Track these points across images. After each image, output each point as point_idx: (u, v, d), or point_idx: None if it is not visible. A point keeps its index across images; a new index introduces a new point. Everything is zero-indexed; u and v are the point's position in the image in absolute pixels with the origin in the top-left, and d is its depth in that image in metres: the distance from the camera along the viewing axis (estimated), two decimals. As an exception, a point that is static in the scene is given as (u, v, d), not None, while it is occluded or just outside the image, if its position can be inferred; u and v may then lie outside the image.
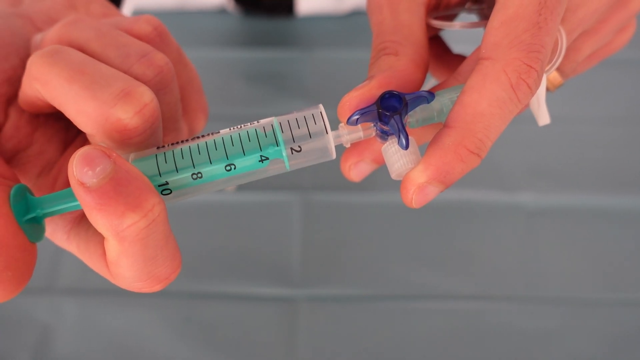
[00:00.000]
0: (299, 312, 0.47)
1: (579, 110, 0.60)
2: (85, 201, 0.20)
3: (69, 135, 0.27)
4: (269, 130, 0.23)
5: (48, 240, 0.55)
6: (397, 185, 0.56)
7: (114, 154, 0.20)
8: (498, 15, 0.24)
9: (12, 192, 0.22)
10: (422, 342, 0.45)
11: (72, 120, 0.23)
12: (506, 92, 0.23)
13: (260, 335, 0.46)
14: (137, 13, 0.68)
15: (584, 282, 0.48)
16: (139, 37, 0.25)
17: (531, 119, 0.31)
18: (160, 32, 0.26)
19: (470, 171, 0.25)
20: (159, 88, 0.24)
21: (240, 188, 0.53)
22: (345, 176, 0.29)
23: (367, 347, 0.45)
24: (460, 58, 0.32)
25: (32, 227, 0.22)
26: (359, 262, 0.49)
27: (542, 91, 0.28)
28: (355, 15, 0.68)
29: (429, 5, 0.28)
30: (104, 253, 0.23)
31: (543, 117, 0.29)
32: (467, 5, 0.31)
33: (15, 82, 0.26)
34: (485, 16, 0.31)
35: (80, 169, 0.20)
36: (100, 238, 0.24)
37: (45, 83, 0.22)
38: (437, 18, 0.29)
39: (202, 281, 0.48)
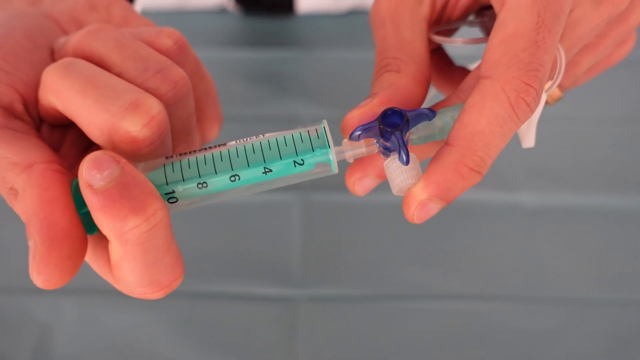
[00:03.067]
0: (299, 312, 0.47)
1: (579, 110, 0.60)
2: (91, 202, 0.21)
3: (91, 141, 0.28)
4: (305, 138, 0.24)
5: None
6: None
7: (123, 160, 0.21)
8: (497, 33, 0.24)
9: (73, 184, 0.23)
10: (422, 342, 0.45)
11: (84, 131, 0.23)
12: (505, 111, 0.23)
13: (260, 335, 0.46)
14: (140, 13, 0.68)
15: (584, 282, 0.48)
16: (160, 51, 0.26)
17: (531, 119, 0.30)
18: (181, 46, 0.26)
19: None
20: (172, 102, 0.24)
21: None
22: (350, 191, 0.30)
23: (367, 347, 0.45)
24: (463, 70, 0.32)
25: (87, 219, 0.23)
26: (359, 262, 0.49)
27: (537, 112, 0.28)
28: (354, 13, 0.68)
29: (430, 20, 0.29)
30: (109, 258, 0.24)
31: (528, 140, 0.30)
32: (470, 18, 0.31)
33: None
34: (487, 30, 0.31)
35: (89, 171, 0.20)
36: (106, 243, 0.24)
37: (58, 94, 0.23)
38: (438, 33, 0.30)
39: (202, 281, 0.48)
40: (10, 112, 0.24)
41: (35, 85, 0.25)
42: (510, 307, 0.47)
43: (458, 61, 0.34)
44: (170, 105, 0.24)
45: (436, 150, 0.25)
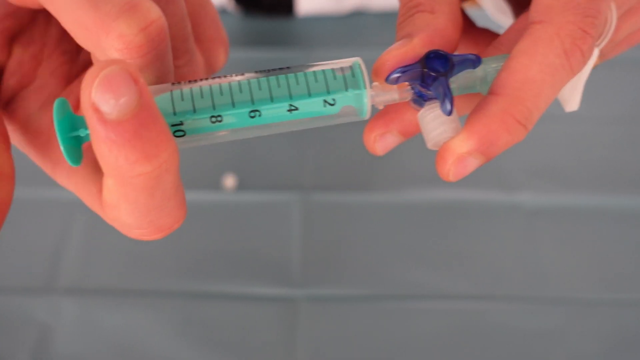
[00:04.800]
0: (299, 312, 0.47)
1: (579, 110, 0.59)
2: (96, 131, 0.17)
3: (73, 70, 0.25)
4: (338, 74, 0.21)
5: (47, 240, 0.55)
6: (397, 185, 0.56)
7: (141, 80, 0.17)
8: None
9: (55, 104, 0.19)
10: (422, 342, 0.45)
11: (68, 31, 0.20)
12: (559, 58, 0.21)
13: (260, 335, 0.46)
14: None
15: (584, 282, 0.48)
16: None
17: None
18: None
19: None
20: None
21: (240, 188, 0.53)
22: (368, 149, 0.26)
23: (367, 346, 0.45)
24: (486, 32, 0.30)
25: (73, 149, 0.19)
26: (359, 262, 0.49)
27: (587, 68, 0.25)
28: (355, 15, 0.68)
29: None
30: (100, 191, 0.21)
31: (573, 102, 0.27)
32: None
33: (21, 16, 0.24)
34: None
35: (102, 92, 0.16)
36: (99, 175, 0.21)
37: None
38: None
39: (202, 281, 0.48)
40: None
41: None
42: (510, 307, 0.47)
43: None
44: None
45: (469, 104, 0.23)
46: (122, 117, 0.17)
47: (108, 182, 0.19)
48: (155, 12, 0.19)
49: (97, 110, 0.17)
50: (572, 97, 0.27)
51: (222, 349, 0.45)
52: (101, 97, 0.16)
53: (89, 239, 0.50)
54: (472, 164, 0.22)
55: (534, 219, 0.51)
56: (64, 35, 0.26)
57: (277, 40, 0.67)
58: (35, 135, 0.24)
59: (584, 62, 0.22)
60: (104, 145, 0.17)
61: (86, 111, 0.17)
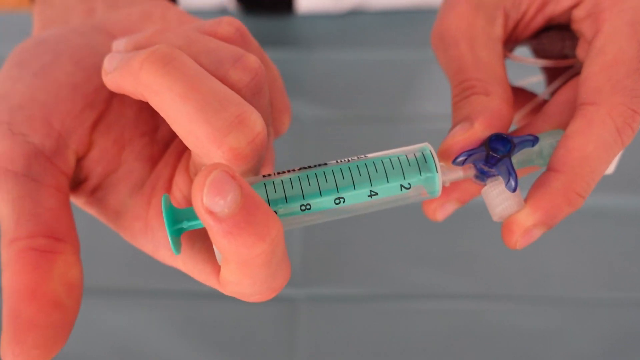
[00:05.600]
0: (299, 311, 0.47)
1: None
2: (213, 228, 0.19)
3: (155, 151, 0.27)
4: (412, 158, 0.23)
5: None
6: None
7: (239, 177, 0.19)
8: (597, 60, 0.24)
9: (162, 199, 0.21)
10: (422, 342, 0.45)
11: (180, 137, 0.22)
12: (612, 136, 0.23)
13: (260, 335, 0.46)
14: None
15: (584, 282, 0.48)
16: (223, 40, 0.24)
17: (531, 119, 0.30)
18: (243, 33, 0.25)
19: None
20: (254, 92, 0.23)
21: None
22: (428, 217, 0.29)
23: (367, 346, 0.45)
24: (520, 91, 0.32)
25: (176, 239, 0.21)
26: (359, 262, 0.49)
27: None
28: (354, 14, 0.68)
29: (503, 40, 0.28)
30: (214, 270, 0.23)
31: (610, 165, 0.29)
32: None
33: (98, 104, 0.25)
34: (543, 52, 0.31)
35: (212, 197, 0.18)
36: (208, 255, 0.23)
37: (155, 93, 0.21)
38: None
39: (202, 281, 0.48)
40: (38, 152, 0.23)
41: (78, 111, 0.24)
42: (510, 307, 0.47)
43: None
44: (253, 95, 0.23)
45: (524, 173, 0.25)
46: (233, 212, 0.19)
47: (230, 266, 0.21)
48: (259, 125, 0.21)
49: (210, 212, 0.19)
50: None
51: (222, 348, 0.45)
52: (212, 201, 0.18)
53: (89, 239, 0.50)
54: (537, 234, 0.24)
55: (534, 219, 0.51)
56: (139, 116, 0.27)
57: (277, 39, 0.67)
58: (132, 220, 0.25)
59: (633, 136, 0.24)
60: (223, 238, 0.19)
61: (201, 215, 0.19)
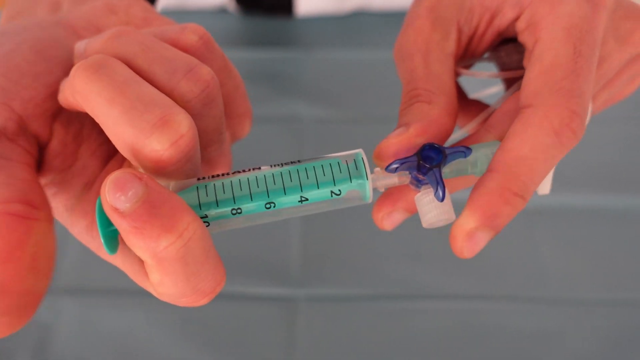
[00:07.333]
0: (298, 311, 0.47)
1: (579, 110, 0.59)
2: (120, 226, 0.20)
3: (111, 149, 0.27)
4: (348, 164, 0.24)
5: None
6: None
7: (145, 177, 0.20)
8: (535, 66, 0.25)
9: (97, 202, 0.22)
10: (422, 342, 0.45)
11: (110, 139, 0.22)
12: (549, 137, 0.23)
13: (260, 335, 0.46)
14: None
15: (584, 282, 0.48)
16: (185, 48, 0.25)
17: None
18: (206, 41, 0.25)
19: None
20: (205, 103, 0.23)
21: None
22: (377, 225, 0.29)
23: (367, 347, 0.45)
24: (476, 103, 0.33)
25: (111, 240, 0.22)
26: (359, 262, 0.49)
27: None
28: (356, 15, 0.68)
29: (456, 55, 0.29)
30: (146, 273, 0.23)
31: (544, 186, 0.30)
32: (484, 55, 0.32)
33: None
34: (503, 65, 0.31)
35: (113, 194, 0.20)
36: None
37: (86, 99, 0.22)
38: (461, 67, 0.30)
39: (202, 281, 0.48)
40: (0, 133, 0.23)
41: (39, 99, 0.24)
42: (510, 307, 0.47)
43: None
44: (203, 105, 0.23)
45: (462, 184, 0.26)
46: (135, 206, 0.19)
47: (148, 264, 0.21)
48: (185, 126, 0.21)
49: (115, 209, 0.20)
50: (543, 182, 0.30)
51: (222, 349, 0.45)
52: (113, 197, 0.20)
53: (89, 239, 0.50)
54: (482, 238, 0.24)
55: (533, 219, 0.51)
56: None
57: (277, 40, 0.67)
58: (79, 217, 0.26)
59: (577, 138, 0.24)
60: (130, 234, 0.20)
61: (108, 213, 0.20)
